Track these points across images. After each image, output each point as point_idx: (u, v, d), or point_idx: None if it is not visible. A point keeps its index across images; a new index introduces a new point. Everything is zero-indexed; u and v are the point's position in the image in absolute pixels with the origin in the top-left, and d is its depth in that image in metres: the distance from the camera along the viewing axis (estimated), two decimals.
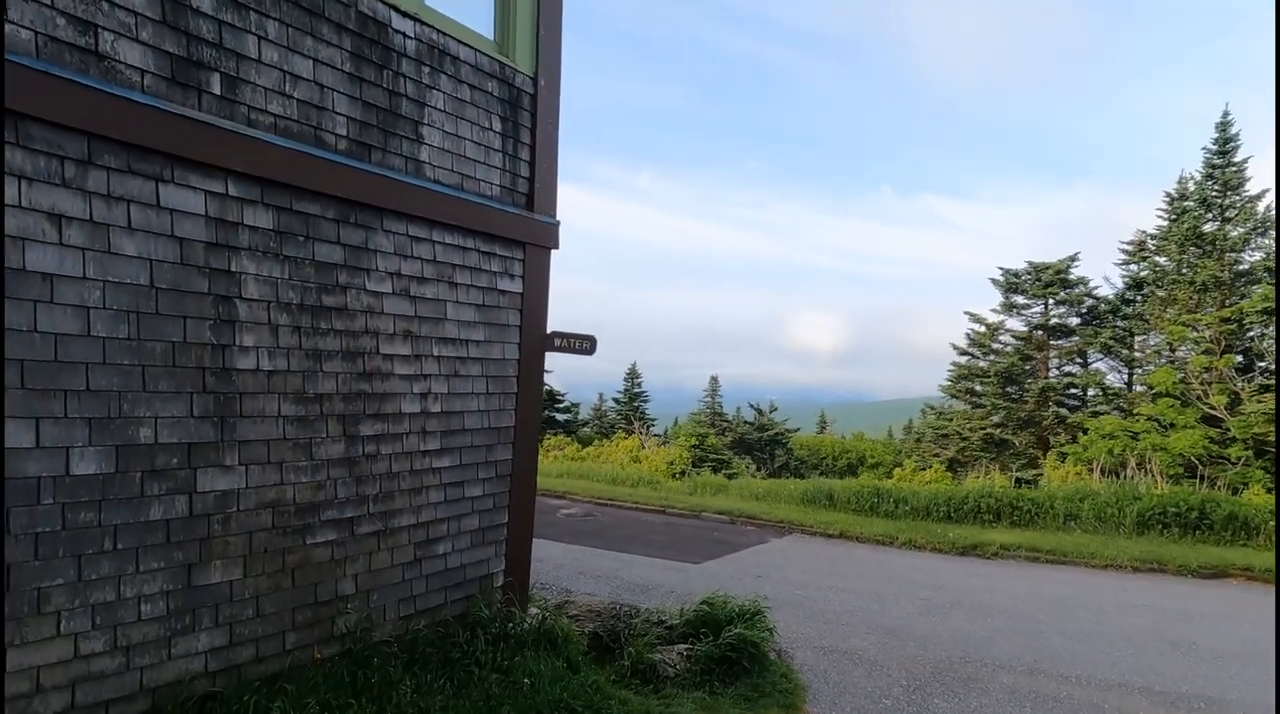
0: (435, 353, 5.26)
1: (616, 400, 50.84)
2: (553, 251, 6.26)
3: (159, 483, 3.92)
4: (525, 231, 5.91)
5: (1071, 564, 11.92)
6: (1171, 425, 17.90)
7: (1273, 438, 17.02)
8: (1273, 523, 12.24)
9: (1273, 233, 20.40)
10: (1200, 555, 11.57)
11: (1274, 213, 18.06)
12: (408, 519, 5.12)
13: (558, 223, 6.19)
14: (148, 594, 3.90)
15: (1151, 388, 19.11)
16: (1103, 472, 18.29)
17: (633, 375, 51.31)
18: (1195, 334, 19.21)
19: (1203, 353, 18.94)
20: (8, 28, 3.30)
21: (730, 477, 23.16)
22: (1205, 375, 19.09)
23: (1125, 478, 14.49)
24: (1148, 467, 14.96)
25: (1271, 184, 19.16)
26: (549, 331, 6.32)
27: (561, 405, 47.49)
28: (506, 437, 5.94)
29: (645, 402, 50.88)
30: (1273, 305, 17.97)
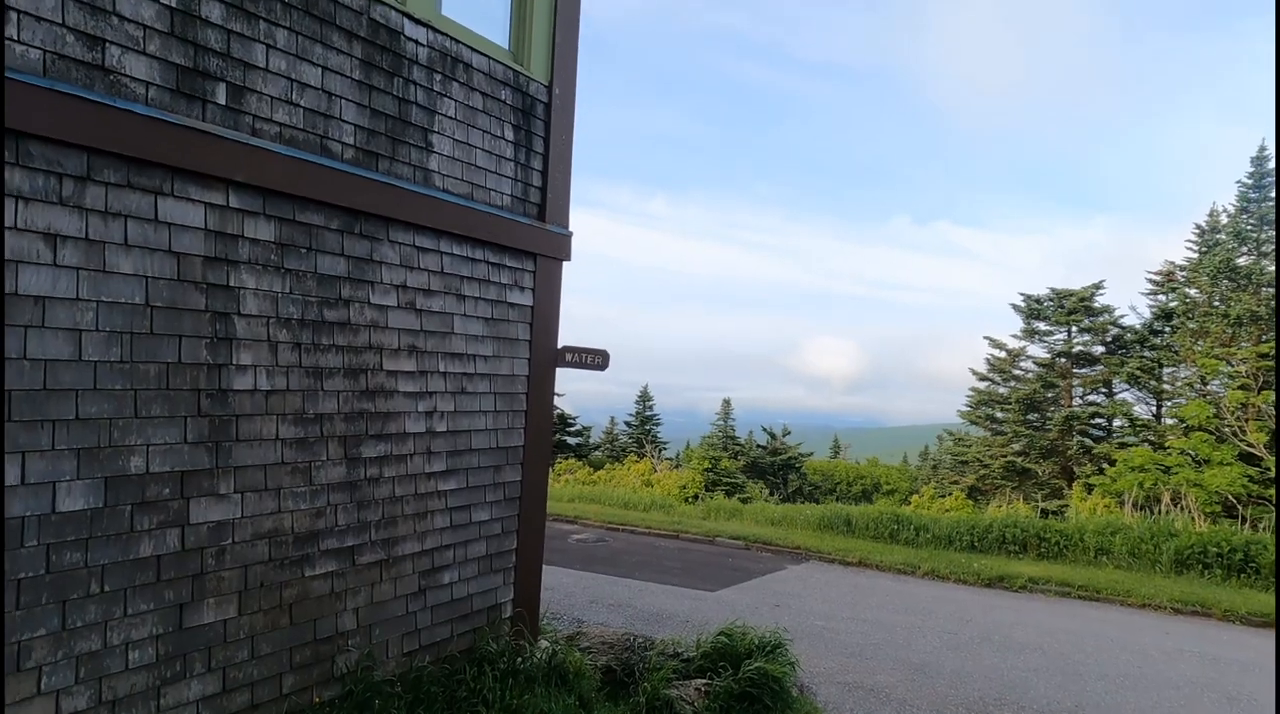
0: (441, 369, 5.03)
1: (628, 423, 50.47)
2: (565, 264, 6.03)
3: (150, 516, 3.66)
4: (536, 242, 5.69)
5: (1105, 601, 11.40)
6: (1206, 461, 17.30)
7: None
8: None
9: None
10: (1247, 601, 10.95)
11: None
12: (412, 546, 4.84)
13: (570, 234, 5.97)
14: (136, 640, 3.62)
15: (1184, 421, 18.52)
16: (1134, 505, 17.71)
17: (644, 398, 50.97)
18: (1230, 368, 18.65)
19: (1238, 388, 18.36)
20: (17, 48, 3.14)
21: (744, 501, 22.71)
22: (1241, 411, 18.51)
23: (1160, 513, 13.93)
24: (1184, 503, 14.39)
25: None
26: (560, 346, 6.07)
27: (573, 428, 47.16)
28: (515, 457, 5.67)
29: (657, 425, 50.47)
30: None
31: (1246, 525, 15.13)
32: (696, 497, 23.55)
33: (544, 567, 12.62)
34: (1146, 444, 20.29)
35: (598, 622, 9.25)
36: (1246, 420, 18.55)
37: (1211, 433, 18.05)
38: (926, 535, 14.44)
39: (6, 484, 3.19)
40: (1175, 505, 14.30)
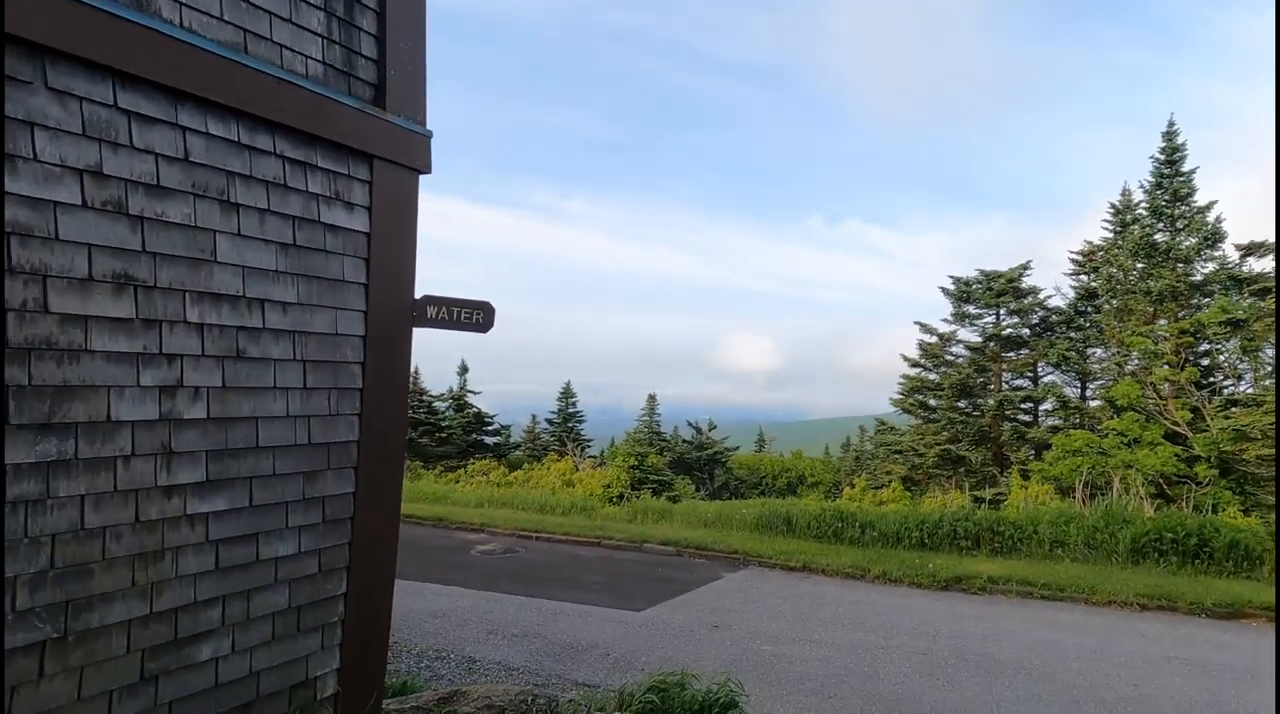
0: (193, 317, 3.07)
1: (550, 421, 48.41)
2: (422, 179, 4.15)
3: None
4: (371, 138, 3.79)
5: (1070, 600, 10.31)
6: (1136, 441, 16.82)
7: (1241, 457, 16.07)
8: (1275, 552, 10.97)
9: (1223, 245, 19.91)
10: (1210, 591, 10.12)
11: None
12: (125, 609, 2.86)
13: (429, 135, 4.09)
14: None
15: (1114, 402, 18.06)
16: (1068, 491, 17.04)
17: (567, 395, 48.90)
18: (1155, 346, 18.30)
19: (1163, 365, 18.00)
20: None
21: (673, 500, 21.13)
22: (1165, 389, 18.19)
23: (1109, 499, 13.09)
24: (1132, 487, 13.62)
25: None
26: (421, 297, 4.20)
27: (490, 427, 44.72)
28: (344, 457, 3.77)
29: (581, 422, 48.56)
30: (1233, 318, 17.18)
31: (1184, 506, 14.58)
32: (622, 496, 21.82)
33: (439, 587, 10.61)
34: (1080, 426, 19.82)
35: (495, 661, 7.38)
36: (1167, 399, 18.24)
37: (1140, 412, 17.59)
38: (873, 533, 13.16)
39: None
40: (1125, 490, 13.49)
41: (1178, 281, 19.20)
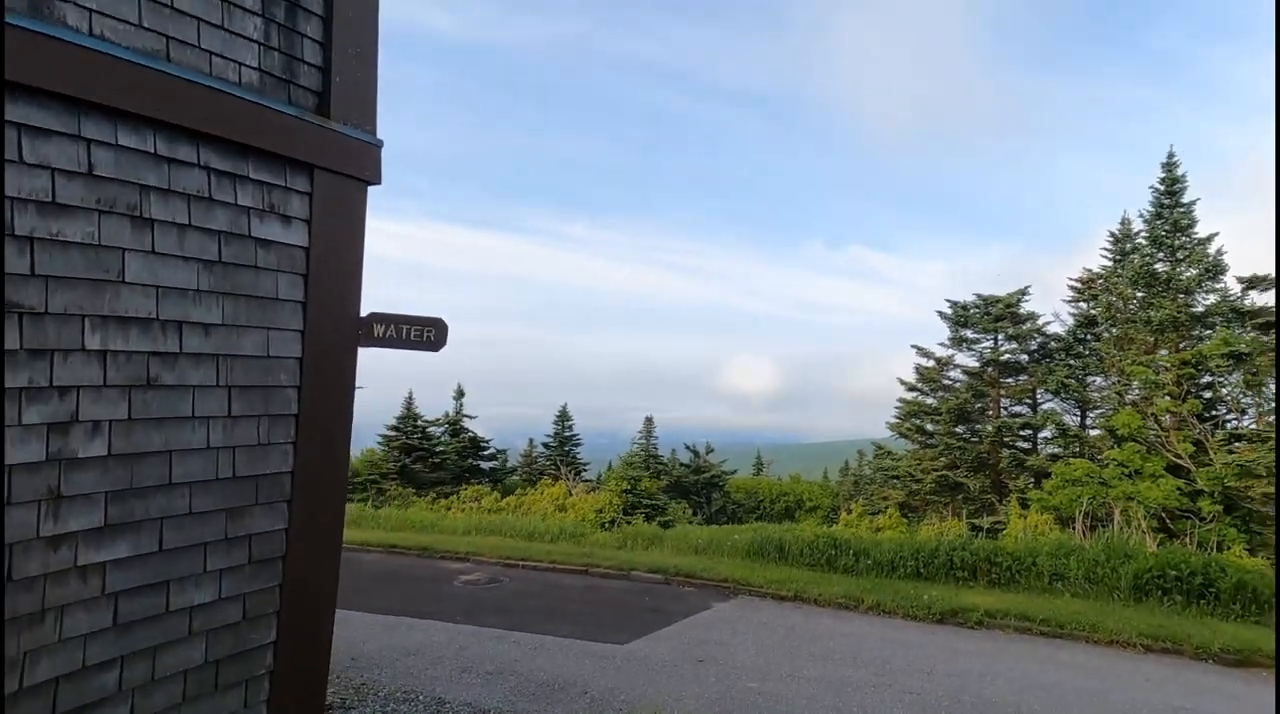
0: (91, 344, 2.80)
1: (546, 445, 47.99)
2: (371, 191, 3.90)
3: None
4: (314, 147, 3.55)
5: (1070, 638, 9.91)
6: (1137, 473, 16.46)
7: (1246, 494, 15.70)
8: None
9: (1224, 278, 19.71)
10: (1217, 635, 9.69)
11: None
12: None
13: (379, 144, 3.86)
14: None
15: (1115, 431, 17.73)
16: (1068, 521, 16.66)
17: (563, 418, 48.50)
18: (1155, 376, 18.00)
19: (1165, 396, 17.68)
20: None
21: (665, 525, 20.73)
22: (1166, 420, 17.85)
23: (1111, 532, 12.73)
24: (1134, 520, 13.26)
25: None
26: (367, 314, 3.93)
27: (486, 452, 44.27)
28: (275, 490, 3.47)
29: (577, 445, 48.11)
30: (1235, 351, 16.92)
31: (1188, 542, 14.21)
32: (614, 522, 21.43)
33: (416, 622, 10.21)
34: (1078, 456, 19.48)
35: (465, 703, 7.00)
36: (1169, 430, 17.90)
37: (1141, 443, 17.25)
38: (867, 561, 12.78)
39: None
40: (1126, 523, 13.13)
41: (1179, 312, 18.94)
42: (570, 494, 27.94)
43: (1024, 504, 18.08)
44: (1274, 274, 17.87)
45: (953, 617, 10.58)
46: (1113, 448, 17.63)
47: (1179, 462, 17.07)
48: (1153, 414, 17.90)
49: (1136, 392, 18.64)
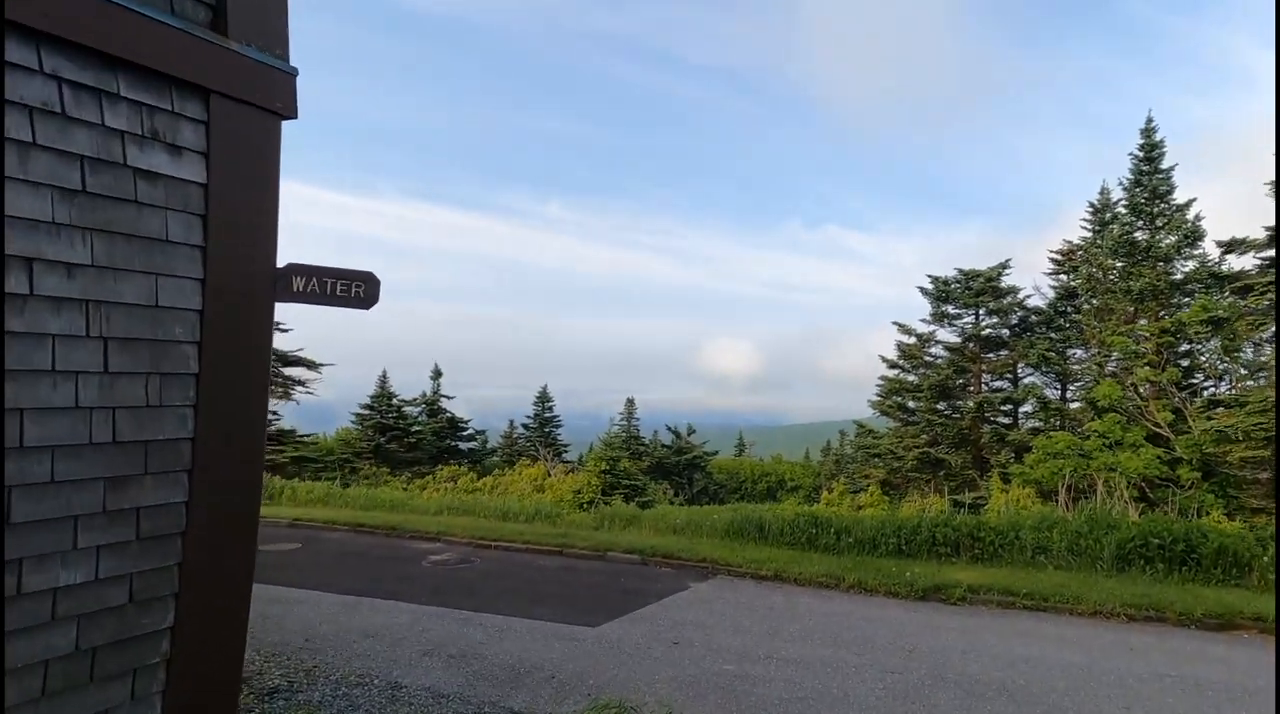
0: None
1: (526, 426, 47.57)
2: (285, 128, 3.42)
3: None
4: (207, 67, 3.06)
5: (1054, 611, 9.72)
6: (1118, 443, 16.34)
7: (1225, 459, 15.61)
8: (1264, 558, 10.46)
9: (1202, 243, 19.57)
10: (1199, 600, 9.58)
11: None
12: None
13: (293, 71, 3.37)
14: None
15: (1095, 403, 17.58)
16: (1050, 495, 16.52)
17: (543, 399, 48.16)
18: (1136, 346, 17.85)
19: (1144, 365, 17.53)
20: None
21: (644, 505, 20.42)
22: (1146, 390, 17.74)
23: (1093, 503, 12.56)
24: (1116, 490, 13.10)
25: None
26: (285, 265, 3.46)
27: (465, 433, 43.73)
28: (171, 458, 3.02)
29: (558, 426, 47.79)
30: (1214, 316, 16.78)
31: (1169, 510, 14.10)
32: (592, 502, 21.09)
33: (379, 602, 9.80)
34: (1060, 429, 19.35)
35: (424, 687, 6.61)
36: (1148, 400, 17.79)
37: (1122, 414, 17.12)
38: (849, 540, 12.53)
39: None
40: (1109, 494, 12.96)
41: (1158, 280, 18.80)
42: (549, 475, 27.60)
43: (1006, 479, 17.95)
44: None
45: (935, 593, 10.34)
46: (1094, 420, 17.50)
47: (1159, 431, 16.97)
48: (1133, 384, 17.78)
49: (1116, 362, 18.51)
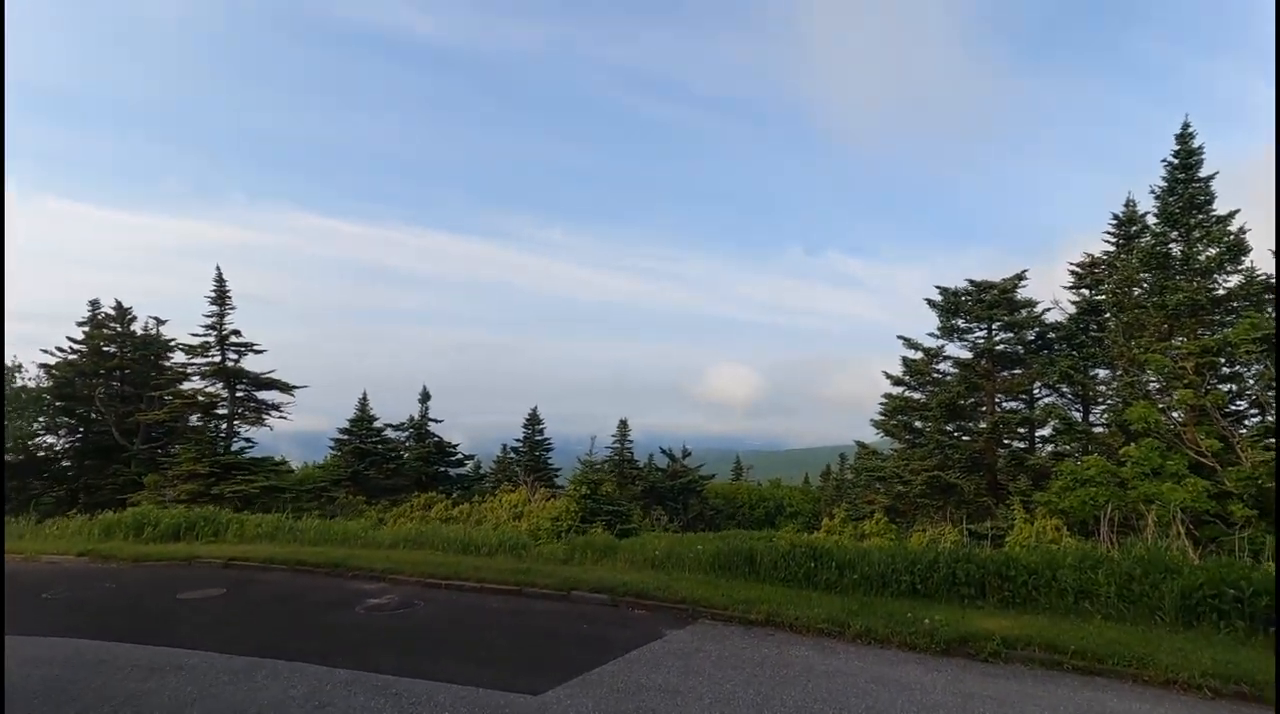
0: None
1: (516, 450, 45.71)
2: None
3: None
4: None
5: (1114, 676, 7.85)
6: (1157, 472, 14.52)
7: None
8: None
9: (1243, 258, 17.91)
10: None
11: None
12: None
13: None
14: None
15: (1127, 426, 15.78)
16: (1082, 527, 14.66)
17: (533, 421, 46.38)
18: (1174, 365, 16.08)
19: (1184, 386, 15.73)
20: None
21: (625, 534, 18.56)
22: (1180, 415, 15.95)
23: (1145, 540, 10.72)
24: (1172, 526, 11.25)
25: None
26: None
27: (454, 458, 41.81)
28: None
29: (548, 450, 45.97)
30: (1265, 334, 15.04)
31: (1215, 551, 12.24)
32: (570, 530, 19.24)
33: (278, 666, 7.74)
34: (1086, 454, 17.53)
35: None
36: (1188, 425, 16.00)
37: (1160, 439, 15.30)
38: (853, 576, 10.69)
39: None
40: (1162, 531, 11.12)
41: (1197, 294, 17.04)
42: (530, 500, 25.72)
43: (1028, 507, 16.11)
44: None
45: (961, 646, 8.50)
46: (1126, 445, 15.68)
47: (1202, 459, 15.12)
48: (1168, 407, 15.99)
49: (1151, 382, 16.75)
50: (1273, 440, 14.96)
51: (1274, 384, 15.30)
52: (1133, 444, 15.22)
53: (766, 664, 7.94)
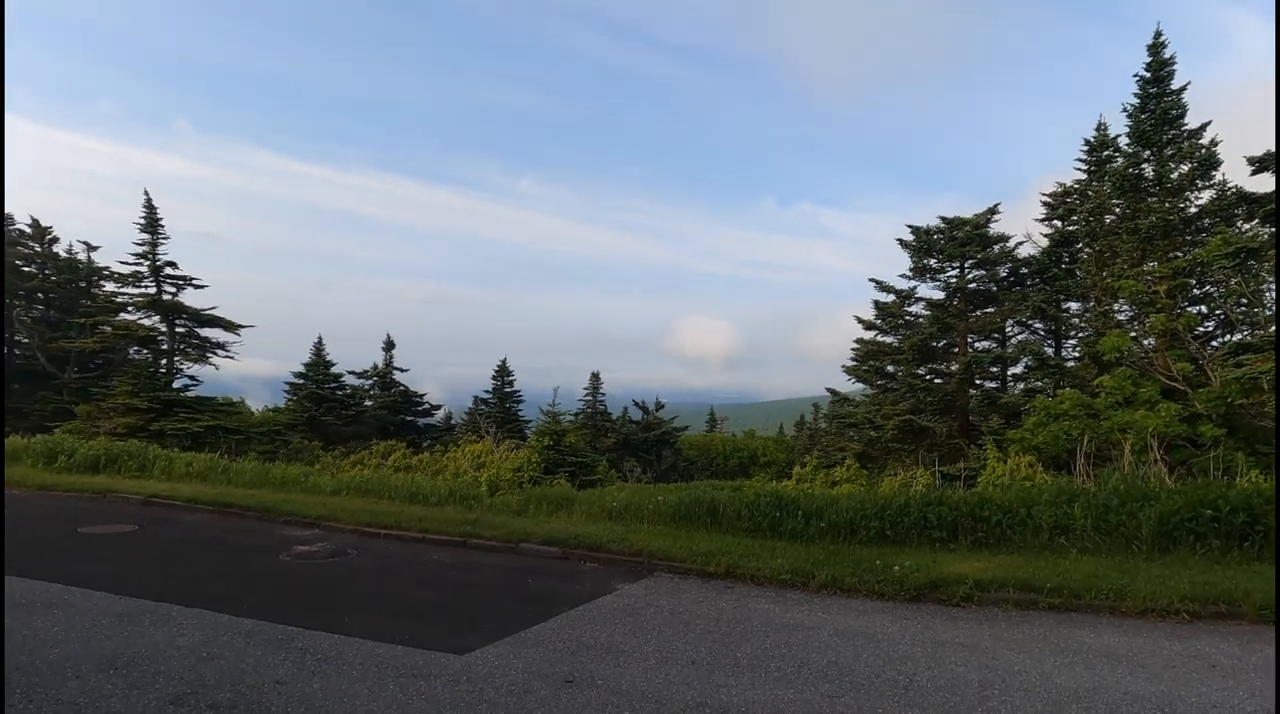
0: None
1: (485, 402, 44.90)
2: None
3: None
4: None
5: (1090, 610, 7.35)
6: (1129, 400, 14.05)
7: (1260, 410, 13.36)
8: None
9: (1214, 173, 17.24)
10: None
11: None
12: None
13: None
14: None
15: (1100, 357, 15.27)
16: (1055, 462, 14.22)
17: (503, 373, 45.48)
18: (1147, 290, 15.52)
19: (1157, 312, 15.19)
20: None
21: (588, 484, 17.93)
22: (1151, 341, 15.45)
23: (1118, 470, 10.22)
24: (1149, 453, 10.75)
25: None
26: None
27: (420, 407, 40.91)
28: None
29: (518, 402, 45.24)
30: (1239, 247, 14.47)
31: (1185, 473, 11.82)
32: (534, 481, 18.57)
33: (180, 612, 6.78)
34: (1058, 388, 17.06)
35: None
36: (1160, 350, 15.52)
37: (1133, 367, 14.80)
38: (820, 524, 10.07)
39: None
40: (1137, 458, 10.62)
41: (1169, 215, 16.39)
42: (494, 451, 24.99)
43: (1001, 446, 15.65)
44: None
45: (932, 592, 7.93)
46: (1099, 376, 15.18)
47: (1174, 384, 14.64)
48: (1140, 335, 15.47)
49: (1124, 311, 16.20)
50: (1247, 356, 14.42)
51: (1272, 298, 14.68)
52: (1106, 375, 14.71)
53: (723, 619, 7.27)
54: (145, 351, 28.99)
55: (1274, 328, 15.04)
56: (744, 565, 8.84)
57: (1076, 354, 19.34)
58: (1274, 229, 15.09)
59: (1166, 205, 16.96)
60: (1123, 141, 18.60)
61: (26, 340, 29.14)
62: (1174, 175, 16.90)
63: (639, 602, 7.90)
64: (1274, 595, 7.00)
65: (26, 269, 29.62)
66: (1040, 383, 19.23)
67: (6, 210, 30.62)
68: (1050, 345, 20.41)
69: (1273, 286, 14.87)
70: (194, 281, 29.22)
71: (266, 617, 6.98)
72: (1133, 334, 15.57)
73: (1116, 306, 16.63)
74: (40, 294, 29.89)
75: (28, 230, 30.19)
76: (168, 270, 28.43)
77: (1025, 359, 19.56)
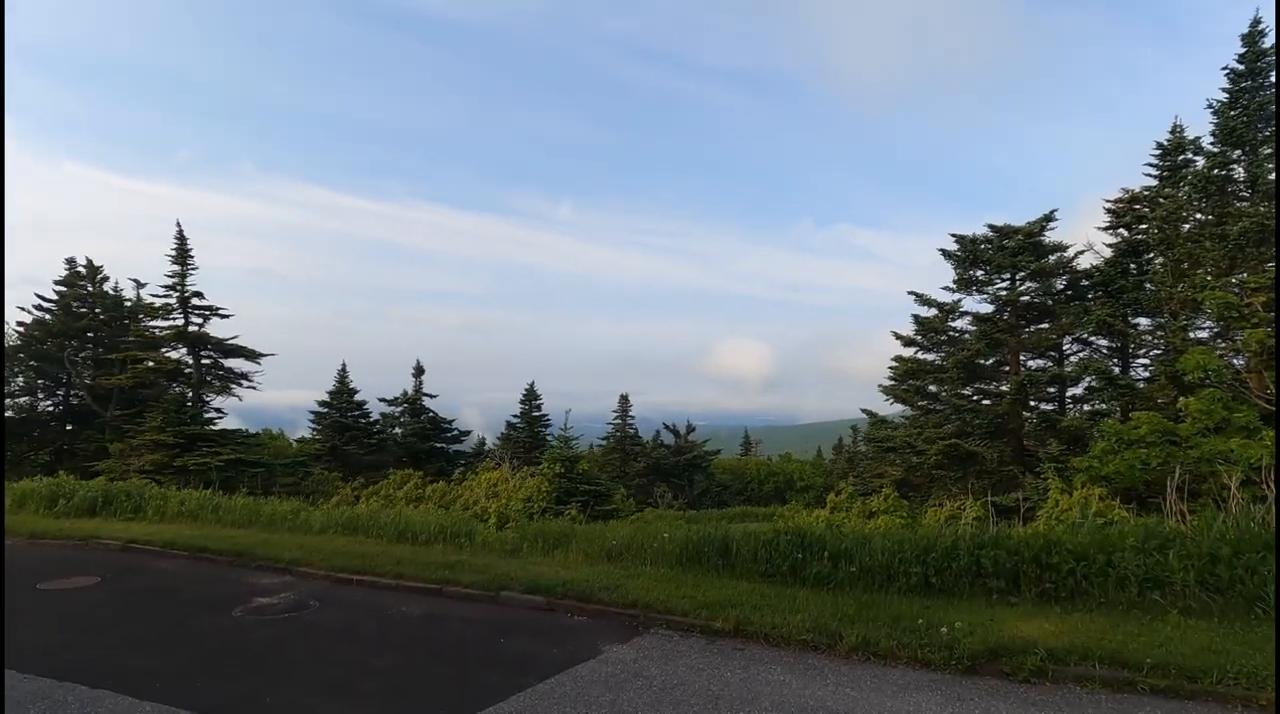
0: None
1: (513, 426, 43.93)
2: None
3: None
4: None
5: (1216, 701, 5.63)
6: (1221, 427, 12.15)
7: None
8: None
9: None
10: None
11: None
12: None
13: None
14: None
15: (1181, 377, 13.37)
16: (1128, 496, 12.36)
17: (531, 396, 44.49)
18: (1240, 302, 13.60)
19: (1254, 326, 13.23)
20: None
21: (602, 515, 16.53)
22: (1253, 359, 13.49)
23: (1226, 511, 8.45)
24: (1266, 487, 8.96)
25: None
26: None
27: (450, 433, 40.11)
28: None
29: (545, 426, 44.11)
30: None
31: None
32: (546, 511, 17.27)
33: (84, 693, 5.71)
34: (1127, 411, 15.15)
35: None
36: (1255, 371, 13.57)
37: (1223, 389, 12.89)
38: (850, 568, 8.49)
39: None
40: (1250, 498, 8.83)
41: (1266, 219, 14.39)
42: (509, 479, 23.78)
43: (1063, 475, 13.82)
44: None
45: (992, 662, 6.31)
46: (1178, 398, 13.29)
47: (1270, 408, 12.66)
48: (1228, 352, 13.54)
49: (1205, 326, 14.30)
50: None
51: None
52: (1190, 397, 12.82)
53: (723, 700, 5.78)
54: (177, 386, 28.89)
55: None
56: (757, 621, 7.32)
57: (1148, 374, 17.34)
58: None
59: (1261, 209, 14.98)
60: (1206, 141, 16.69)
61: (72, 379, 29.58)
62: (1270, 176, 14.94)
63: (625, 671, 6.44)
64: None
65: (79, 309, 30.02)
66: (1106, 405, 17.25)
67: (71, 255, 31.51)
68: (1116, 364, 18.42)
69: None
70: (220, 311, 29.05)
71: (171, 698, 5.74)
72: (1219, 351, 13.65)
73: (1198, 321, 14.71)
74: (90, 333, 30.22)
75: (82, 271, 30.67)
76: (194, 301, 28.37)
77: (1088, 379, 17.60)
